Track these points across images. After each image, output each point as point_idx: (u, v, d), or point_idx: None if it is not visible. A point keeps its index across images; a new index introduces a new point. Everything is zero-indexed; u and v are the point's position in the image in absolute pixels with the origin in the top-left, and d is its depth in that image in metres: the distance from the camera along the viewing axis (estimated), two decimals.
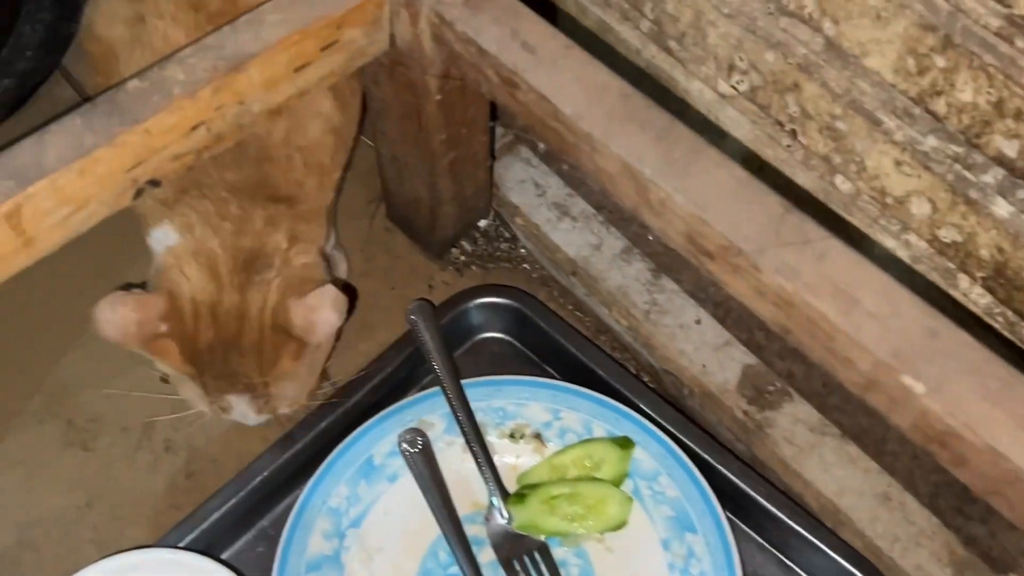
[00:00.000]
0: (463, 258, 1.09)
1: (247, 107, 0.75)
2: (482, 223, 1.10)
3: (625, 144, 0.70)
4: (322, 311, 0.82)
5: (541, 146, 1.08)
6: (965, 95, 0.63)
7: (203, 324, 0.82)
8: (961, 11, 0.60)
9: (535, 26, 0.75)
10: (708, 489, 0.87)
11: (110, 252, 0.96)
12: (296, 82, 0.77)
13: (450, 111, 0.89)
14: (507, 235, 1.10)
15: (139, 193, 0.73)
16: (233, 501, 0.88)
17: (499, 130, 1.09)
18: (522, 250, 1.10)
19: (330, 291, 0.82)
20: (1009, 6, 0.57)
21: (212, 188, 0.84)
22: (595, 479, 0.89)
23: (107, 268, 0.98)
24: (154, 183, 0.73)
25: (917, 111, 0.67)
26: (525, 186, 1.07)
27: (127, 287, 0.84)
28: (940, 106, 0.65)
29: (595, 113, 0.71)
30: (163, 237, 0.85)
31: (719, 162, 0.68)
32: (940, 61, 0.63)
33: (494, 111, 1.00)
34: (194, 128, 0.73)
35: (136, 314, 0.79)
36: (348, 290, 0.90)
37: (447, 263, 1.09)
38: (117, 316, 0.79)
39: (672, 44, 0.84)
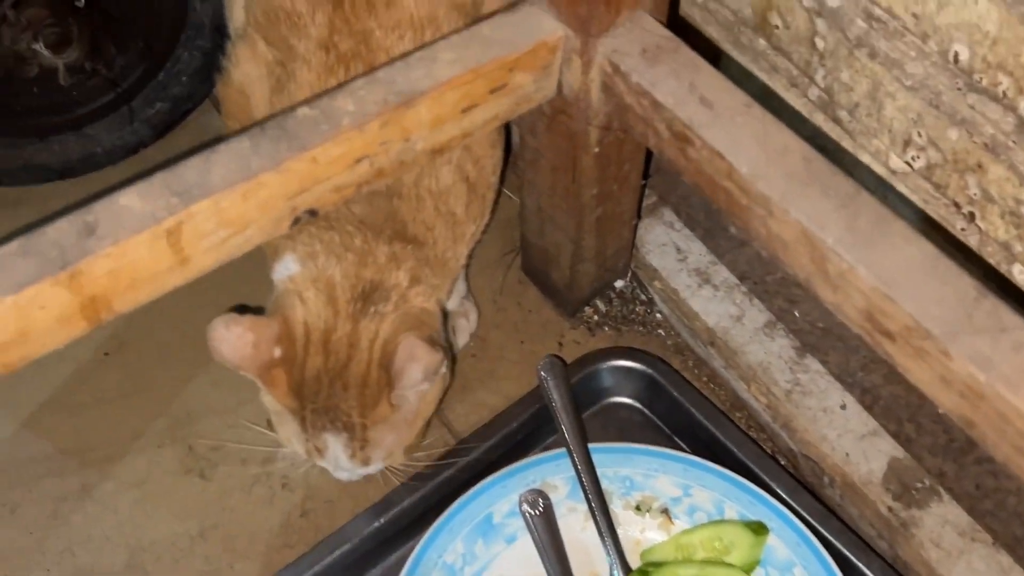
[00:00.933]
0: (596, 318, 1.06)
1: (411, 144, 0.74)
2: (619, 284, 1.08)
3: (806, 209, 0.66)
4: (415, 364, 0.79)
5: (689, 210, 1.05)
6: None
7: (313, 350, 0.81)
8: None
9: (715, 81, 0.73)
10: None
11: (252, 281, 0.95)
12: (461, 123, 0.76)
13: (605, 165, 0.87)
14: (643, 298, 1.07)
15: (296, 221, 0.72)
16: (346, 547, 0.86)
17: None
18: (658, 315, 1.07)
19: (435, 357, 0.80)
20: None
21: (338, 220, 0.84)
22: (724, 563, 0.85)
23: (246, 298, 0.98)
24: (312, 213, 0.72)
25: None
26: (666, 250, 1.04)
27: (241, 309, 0.83)
28: None
29: (774, 174, 0.68)
30: (285, 268, 0.85)
31: (908, 236, 0.64)
32: None
33: (646, 170, 0.98)
34: (358, 160, 0.72)
35: (251, 334, 0.79)
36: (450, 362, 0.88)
37: (579, 321, 1.06)
38: (232, 335, 0.78)
39: (842, 114, 0.81)
